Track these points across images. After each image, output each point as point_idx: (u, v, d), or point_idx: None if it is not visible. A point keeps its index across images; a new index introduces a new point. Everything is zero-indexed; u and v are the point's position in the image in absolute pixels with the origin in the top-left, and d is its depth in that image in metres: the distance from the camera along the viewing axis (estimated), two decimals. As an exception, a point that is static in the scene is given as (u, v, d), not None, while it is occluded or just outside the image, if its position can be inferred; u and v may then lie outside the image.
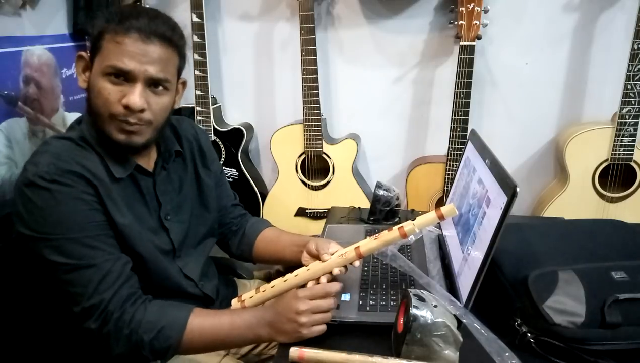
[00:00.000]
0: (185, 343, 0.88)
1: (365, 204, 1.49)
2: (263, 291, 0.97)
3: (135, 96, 0.87)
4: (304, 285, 0.94)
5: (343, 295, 0.95)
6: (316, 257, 0.98)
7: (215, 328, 0.90)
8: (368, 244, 0.94)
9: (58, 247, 0.85)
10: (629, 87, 1.66)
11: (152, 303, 0.90)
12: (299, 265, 1.01)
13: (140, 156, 0.98)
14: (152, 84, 0.90)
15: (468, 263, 0.89)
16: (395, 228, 0.93)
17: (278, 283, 0.97)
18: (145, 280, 0.95)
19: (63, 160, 0.87)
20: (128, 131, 0.90)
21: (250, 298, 0.98)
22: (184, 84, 1.02)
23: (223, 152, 2.06)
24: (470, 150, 1.09)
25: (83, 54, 0.93)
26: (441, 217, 0.92)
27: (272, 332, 0.87)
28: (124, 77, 0.87)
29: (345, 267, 0.96)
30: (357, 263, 0.95)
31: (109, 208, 0.90)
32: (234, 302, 1.00)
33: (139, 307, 0.88)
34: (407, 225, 0.92)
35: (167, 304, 0.91)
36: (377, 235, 0.95)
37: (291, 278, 0.96)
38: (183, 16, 1.95)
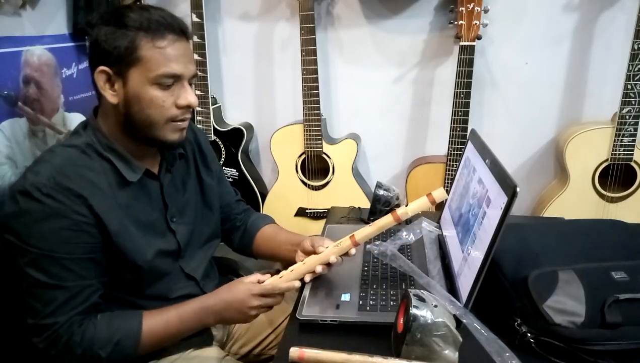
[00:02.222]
0: (141, 349, 0.91)
1: (365, 204, 1.49)
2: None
3: (193, 95, 0.92)
4: (300, 280, 0.96)
5: (343, 295, 0.95)
6: (311, 254, 0.99)
7: (165, 327, 0.93)
8: (363, 231, 0.96)
9: (34, 260, 0.84)
10: (629, 87, 1.66)
11: (99, 319, 0.90)
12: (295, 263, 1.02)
13: (148, 159, 0.98)
14: (190, 80, 0.93)
15: (468, 263, 0.89)
16: (389, 214, 0.95)
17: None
18: (144, 288, 0.96)
19: (64, 174, 0.86)
20: (181, 129, 0.94)
21: None
22: None
23: (223, 152, 2.06)
24: (470, 150, 1.09)
25: (105, 68, 0.87)
26: (432, 202, 0.93)
27: (219, 318, 0.96)
28: (172, 80, 0.89)
29: (341, 256, 0.97)
30: (353, 251, 0.97)
31: (105, 221, 0.88)
32: None
33: (88, 326, 0.88)
34: (400, 209, 0.94)
35: (114, 315, 0.92)
36: (371, 224, 0.97)
37: (287, 274, 0.97)
38: (183, 16, 1.95)
